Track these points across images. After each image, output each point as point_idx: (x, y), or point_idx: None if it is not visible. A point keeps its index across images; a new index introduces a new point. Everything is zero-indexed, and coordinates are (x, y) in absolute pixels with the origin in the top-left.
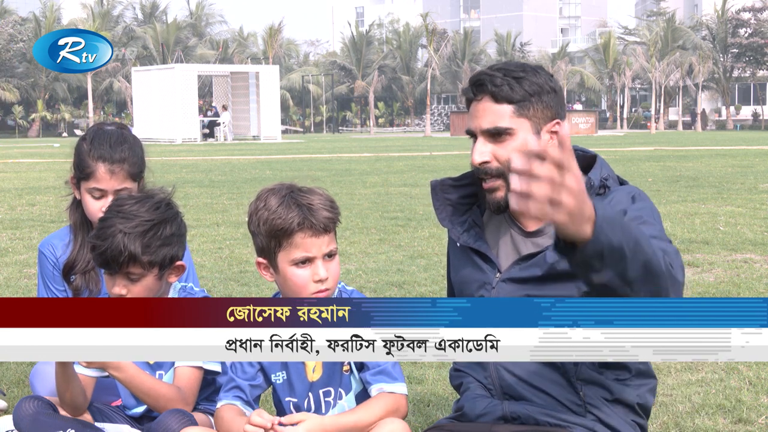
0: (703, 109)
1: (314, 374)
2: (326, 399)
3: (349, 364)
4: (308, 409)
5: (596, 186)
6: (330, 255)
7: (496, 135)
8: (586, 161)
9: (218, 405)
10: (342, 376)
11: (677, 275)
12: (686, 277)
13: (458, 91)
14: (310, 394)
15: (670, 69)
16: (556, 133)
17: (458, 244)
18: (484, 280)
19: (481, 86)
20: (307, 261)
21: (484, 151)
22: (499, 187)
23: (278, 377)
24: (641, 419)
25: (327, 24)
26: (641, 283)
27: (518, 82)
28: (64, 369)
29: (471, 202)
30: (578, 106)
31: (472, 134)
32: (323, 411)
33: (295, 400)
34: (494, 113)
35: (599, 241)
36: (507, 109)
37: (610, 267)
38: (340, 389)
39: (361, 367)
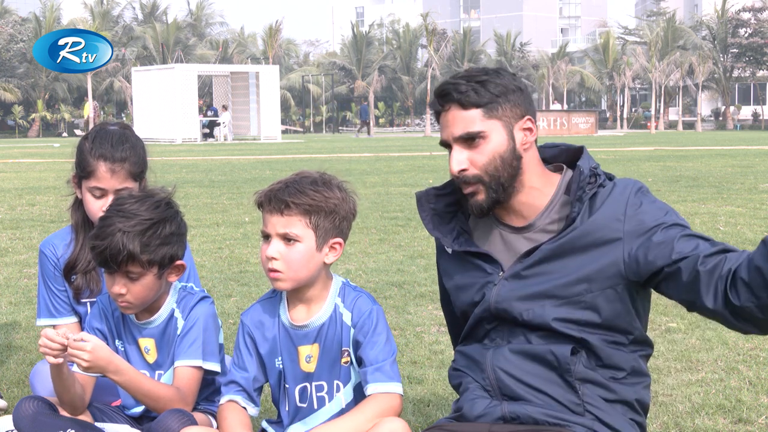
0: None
1: (309, 365)
2: (319, 394)
3: (349, 355)
4: (300, 398)
5: (586, 174)
6: (288, 239)
7: (470, 140)
8: (573, 154)
9: (221, 401)
10: (341, 368)
11: None
12: None
13: None
14: (305, 384)
15: (670, 69)
16: (529, 129)
17: (450, 251)
18: (487, 279)
19: (447, 95)
20: (267, 237)
21: (460, 159)
22: (479, 191)
23: (279, 362)
24: (640, 417)
25: (327, 24)
26: None
27: (483, 86)
28: (59, 368)
29: (455, 209)
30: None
31: (447, 145)
32: (315, 406)
33: (288, 386)
34: (464, 120)
35: None
36: (476, 113)
37: None
38: (337, 381)
39: (359, 362)
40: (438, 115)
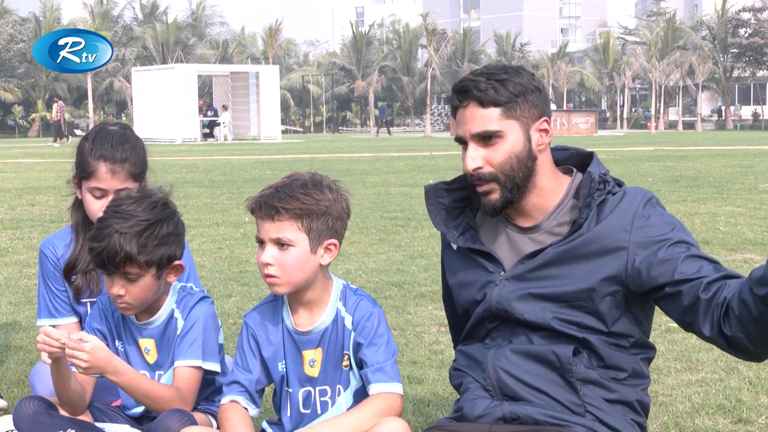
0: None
1: (312, 369)
2: (322, 399)
3: (349, 359)
4: (304, 404)
5: (596, 181)
6: (281, 244)
7: (486, 139)
8: (583, 159)
9: (223, 400)
10: (341, 372)
11: None
12: None
13: None
14: (309, 389)
15: (670, 69)
16: (545, 131)
17: (455, 247)
18: (488, 278)
19: (466, 92)
20: (261, 243)
21: (476, 157)
22: (493, 190)
23: (282, 366)
24: (641, 418)
25: (327, 24)
26: None
27: (502, 84)
28: (57, 367)
29: (463, 205)
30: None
31: (462, 141)
32: (319, 411)
33: (291, 390)
34: (482, 117)
35: None
36: (494, 112)
37: None
38: (338, 386)
39: (360, 364)
40: (455, 110)
